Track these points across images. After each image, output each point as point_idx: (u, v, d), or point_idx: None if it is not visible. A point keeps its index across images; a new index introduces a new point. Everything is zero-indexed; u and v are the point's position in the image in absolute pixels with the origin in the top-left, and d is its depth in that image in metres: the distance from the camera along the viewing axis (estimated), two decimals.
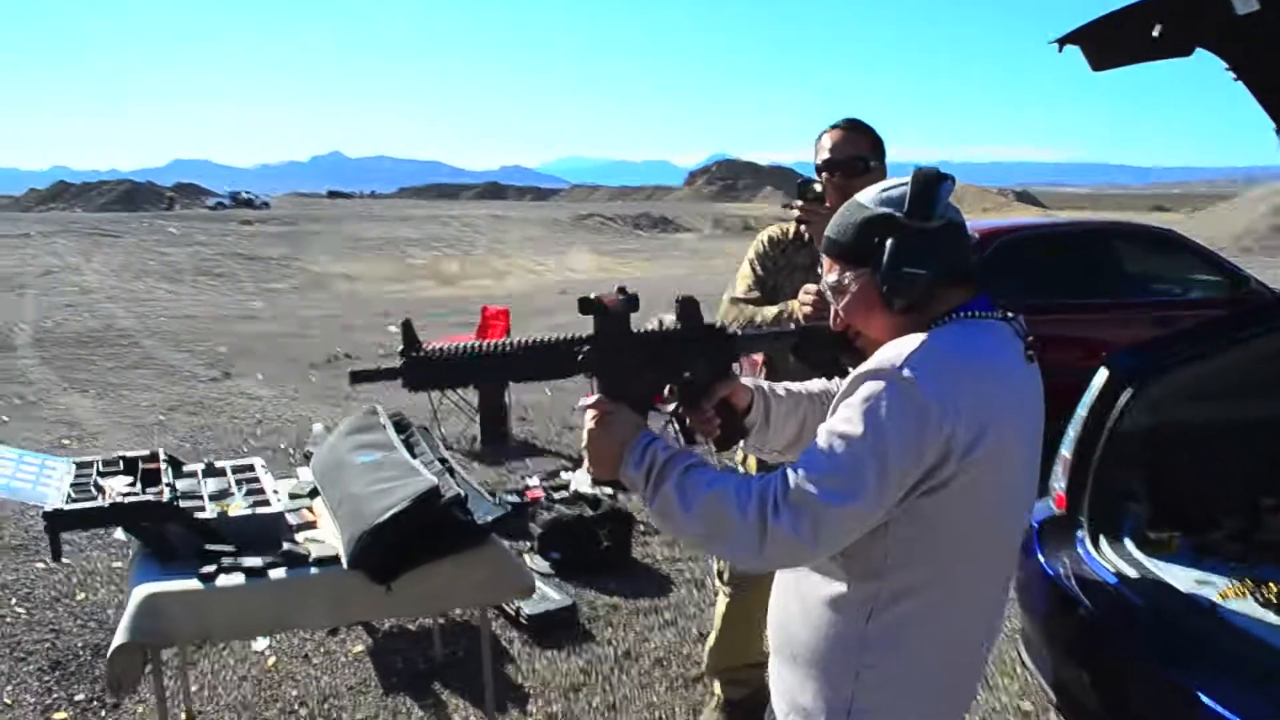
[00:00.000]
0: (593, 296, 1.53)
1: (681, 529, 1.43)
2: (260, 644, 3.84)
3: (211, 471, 3.16)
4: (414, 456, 3.03)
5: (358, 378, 1.51)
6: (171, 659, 3.52)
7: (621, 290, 1.55)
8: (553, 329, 1.50)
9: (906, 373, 1.32)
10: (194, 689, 3.53)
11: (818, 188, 2.71)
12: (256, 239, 35.81)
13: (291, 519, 2.93)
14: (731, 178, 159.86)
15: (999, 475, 1.36)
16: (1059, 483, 2.89)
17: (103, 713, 3.42)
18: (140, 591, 2.41)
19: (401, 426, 3.38)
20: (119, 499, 2.64)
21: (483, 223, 48.36)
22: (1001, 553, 1.50)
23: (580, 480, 5.45)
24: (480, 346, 1.55)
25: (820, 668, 1.47)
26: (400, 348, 1.49)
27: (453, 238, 39.15)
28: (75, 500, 2.63)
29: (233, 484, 3.04)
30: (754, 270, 2.94)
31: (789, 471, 1.35)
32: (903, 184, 1.44)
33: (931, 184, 1.41)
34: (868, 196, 1.47)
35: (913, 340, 1.36)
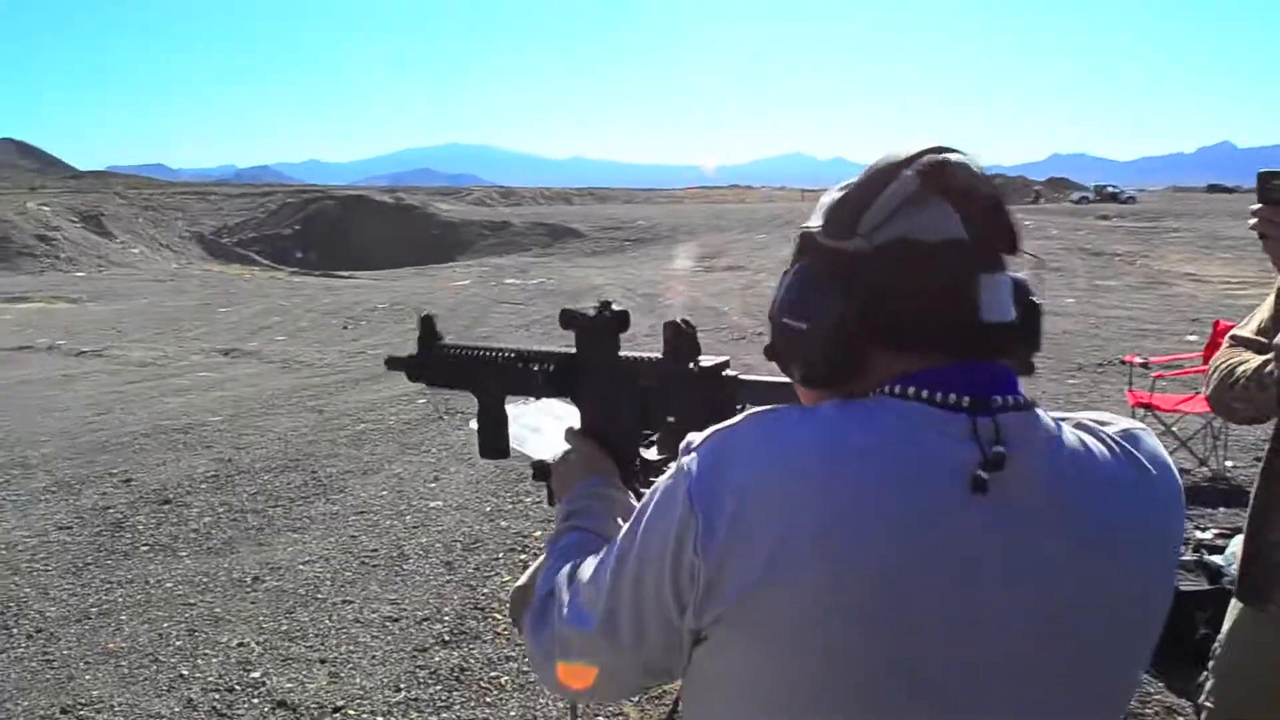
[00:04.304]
0: (573, 309, 1.35)
1: None
2: None
3: None
4: None
5: (389, 364, 1.60)
6: None
7: (605, 304, 1.33)
8: None
9: (689, 461, 0.90)
10: None
11: None
12: (1109, 234, 34.71)
13: None
14: None
15: (795, 655, 0.84)
16: None
17: None
18: None
19: None
20: None
21: None
22: None
23: None
24: (474, 352, 1.49)
25: None
26: None
27: None
28: None
29: None
30: (1277, 302, 2.11)
31: (571, 562, 1.04)
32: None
33: (876, 178, 0.91)
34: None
35: (742, 417, 0.92)
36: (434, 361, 1.54)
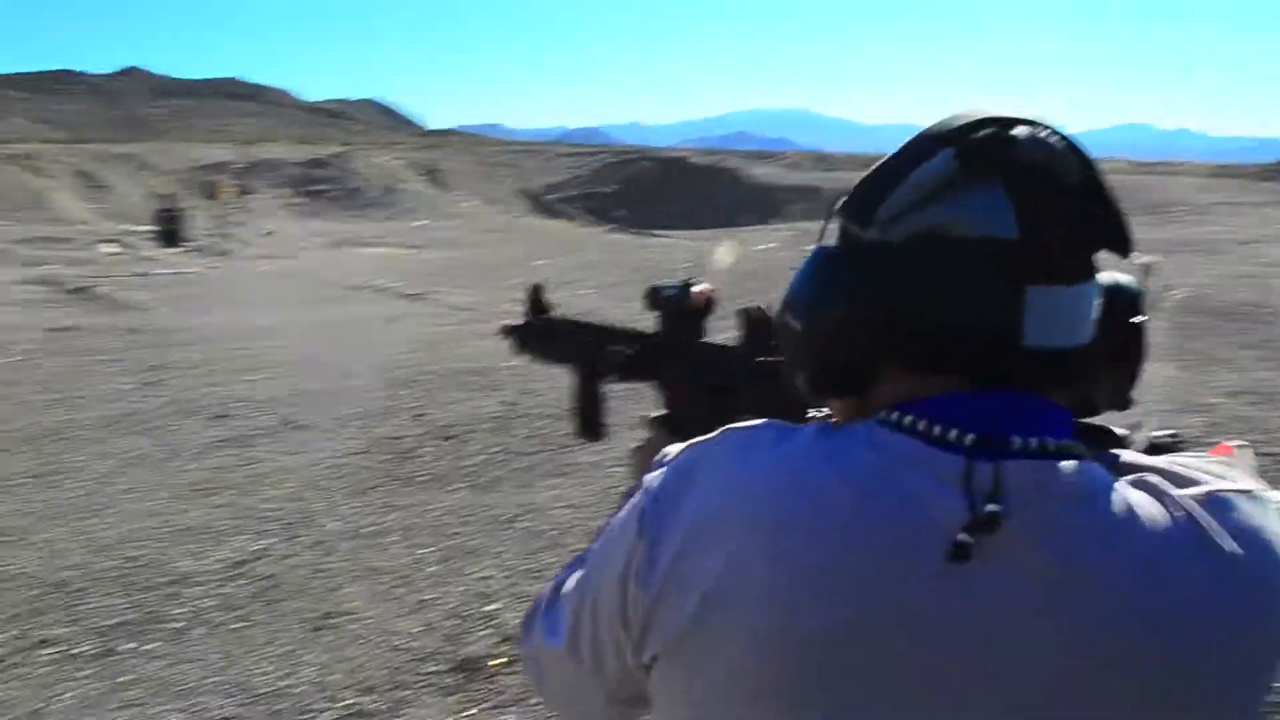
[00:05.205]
0: (659, 286, 1.25)
1: None
2: None
3: None
4: None
5: (503, 331, 1.54)
6: None
7: (687, 283, 1.23)
8: None
9: (652, 479, 0.81)
10: None
11: None
12: None
13: None
14: None
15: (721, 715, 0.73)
16: None
17: None
18: None
19: None
20: None
21: None
22: None
23: None
24: (569, 326, 1.41)
25: None
26: None
27: None
28: None
29: None
30: None
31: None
32: None
33: (908, 154, 0.75)
34: None
35: (720, 432, 0.81)
36: (536, 334, 1.50)
